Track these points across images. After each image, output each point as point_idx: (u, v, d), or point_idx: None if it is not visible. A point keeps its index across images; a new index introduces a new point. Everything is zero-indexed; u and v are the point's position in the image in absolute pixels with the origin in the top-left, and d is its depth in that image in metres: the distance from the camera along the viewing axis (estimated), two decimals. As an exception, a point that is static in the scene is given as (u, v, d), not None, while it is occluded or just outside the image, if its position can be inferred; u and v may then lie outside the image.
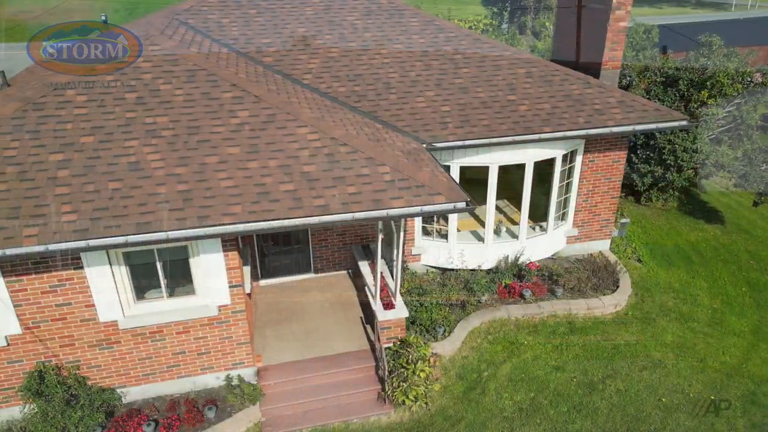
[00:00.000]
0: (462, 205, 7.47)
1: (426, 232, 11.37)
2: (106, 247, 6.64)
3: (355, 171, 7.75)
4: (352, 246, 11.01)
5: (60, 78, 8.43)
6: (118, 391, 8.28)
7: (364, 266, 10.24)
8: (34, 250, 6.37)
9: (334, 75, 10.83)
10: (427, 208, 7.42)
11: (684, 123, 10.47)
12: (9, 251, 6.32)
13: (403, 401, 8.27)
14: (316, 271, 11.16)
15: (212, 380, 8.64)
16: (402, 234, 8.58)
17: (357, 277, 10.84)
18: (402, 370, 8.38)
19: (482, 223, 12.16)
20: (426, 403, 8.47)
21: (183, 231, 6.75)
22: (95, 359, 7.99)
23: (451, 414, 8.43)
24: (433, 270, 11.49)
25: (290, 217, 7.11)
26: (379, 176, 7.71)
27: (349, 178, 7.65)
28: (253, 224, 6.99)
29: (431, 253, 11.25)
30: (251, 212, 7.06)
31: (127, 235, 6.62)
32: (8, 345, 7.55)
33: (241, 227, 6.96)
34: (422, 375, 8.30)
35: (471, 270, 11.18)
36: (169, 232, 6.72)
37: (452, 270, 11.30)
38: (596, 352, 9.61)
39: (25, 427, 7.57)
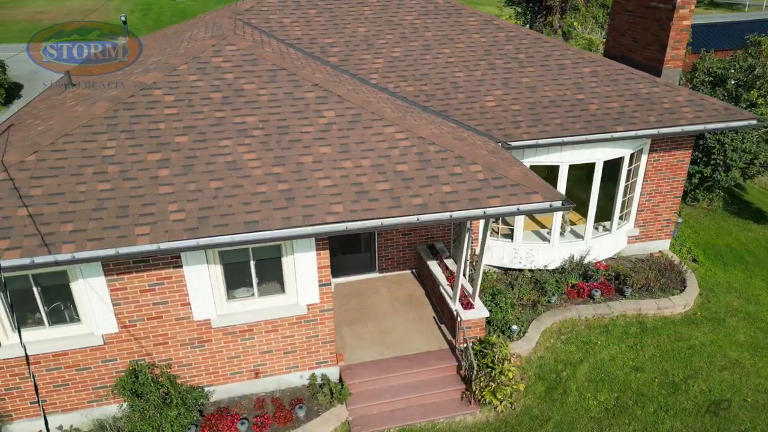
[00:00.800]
0: (558, 204, 7.45)
1: (488, 232, 11.34)
2: (215, 246, 6.66)
3: (447, 170, 7.74)
4: (418, 245, 11.00)
5: (146, 78, 8.45)
6: (205, 389, 8.29)
7: (433, 266, 10.23)
8: (147, 249, 6.38)
9: (401, 74, 10.84)
10: (524, 207, 7.40)
11: (754, 122, 10.42)
12: (122, 250, 6.33)
13: (491, 401, 8.26)
14: (381, 271, 11.15)
15: (296, 379, 8.65)
16: (483, 234, 8.58)
17: (423, 277, 10.84)
18: (488, 369, 8.37)
19: (539, 224, 12.16)
20: (511, 403, 8.46)
21: (289, 230, 6.76)
22: (186, 358, 8.01)
23: (537, 414, 8.41)
24: (496, 270, 11.48)
25: (390, 216, 7.10)
26: (472, 175, 7.70)
27: (442, 177, 7.64)
28: (355, 223, 6.99)
29: (495, 252, 11.23)
30: (352, 211, 7.06)
31: (235, 233, 6.63)
32: (104, 344, 7.57)
33: (343, 226, 6.97)
34: (509, 375, 8.29)
35: (534, 270, 11.15)
36: (275, 231, 6.73)
37: (515, 270, 11.29)
38: (672, 352, 9.58)
39: (121, 426, 7.59)
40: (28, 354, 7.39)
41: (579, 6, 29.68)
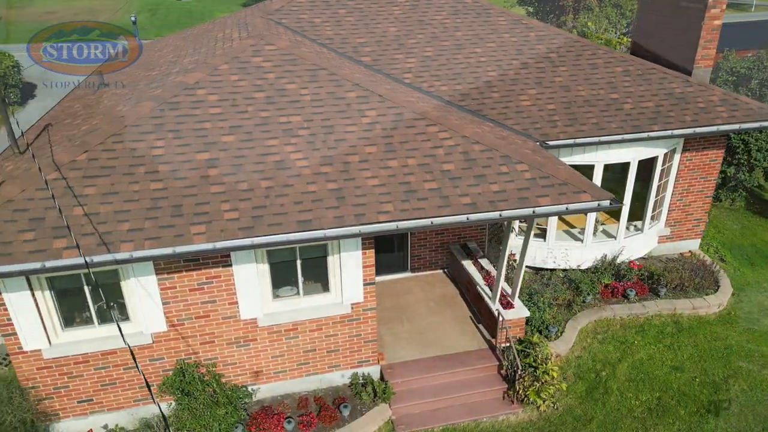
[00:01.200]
0: (606, 203, 7.45)
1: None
2: (269, 245, 6.67)
3: (494, 169, 7.74)
4: (450, 245, 11.00)
5: (187, 77, 8.46)
6: (249, 388, 8.30)
7: (468, 266, 10.23)
8: (203, 248, 6.39)
9: (434, 74, 10.83)
10: (572, 207, 7.40)
11: (789, 121, 10.41)
12: (179, 249, 6.34)
13: (534, 401, 8.26)
14: (413, 270, 11.15)
15: (337, 378, 8.65)
16: (527, 233, 8.58)
17: (456, 276, 10.84)
18: (531, 369, 8.37)
19: (568, 224, 12.14)
20: (554, 403, 8.46)
21: (342, 229, 6.76)
22: (231, 357, 8.02)
23: (580, 414, 8.41)
24: (527, 270, 11.46)
25: (441, 216, 7.10)
26: (518, 174, 7.70)
27: (489, 176, 7.64)
28: (406, 222, 6.99)
29: (528, 252, 11.17)
30: (403, 210, 7.06)
31: (290, 232, 6.63)
32: (152, 343, 7.58)
33: (394, 225, 6.97)
34: (553, 374, 8.29)
35: (566, 270, 11.14)
36: (329, 230, 6.74)
37: (546, 270, 11.27)
38: (710, 351, 9.57)
39: (167, 425, 7.60)
40: (76, 354, 7.42)
41: (592, 6, 29.65)
